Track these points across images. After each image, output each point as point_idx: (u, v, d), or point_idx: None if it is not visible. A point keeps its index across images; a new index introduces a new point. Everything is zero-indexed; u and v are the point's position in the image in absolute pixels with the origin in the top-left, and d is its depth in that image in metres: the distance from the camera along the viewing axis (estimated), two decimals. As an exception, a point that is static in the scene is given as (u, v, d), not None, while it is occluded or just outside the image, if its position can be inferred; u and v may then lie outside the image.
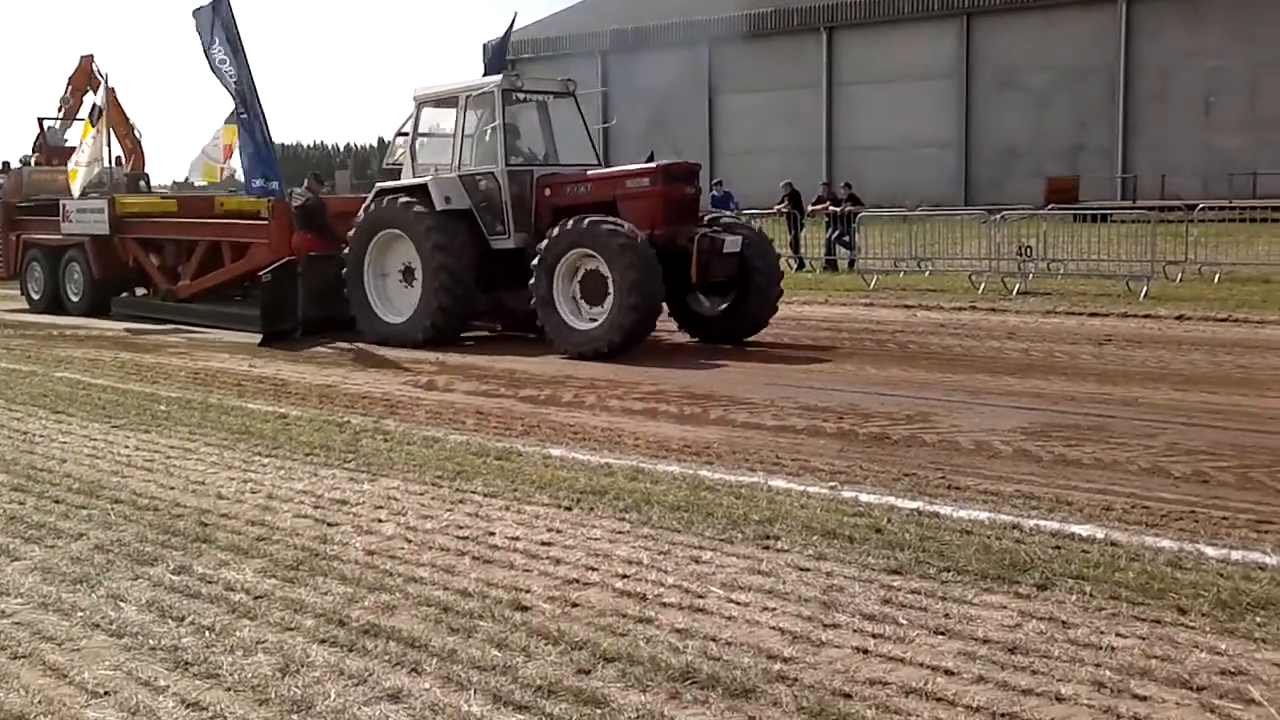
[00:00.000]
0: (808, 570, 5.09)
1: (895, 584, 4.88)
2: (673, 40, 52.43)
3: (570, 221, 12.29)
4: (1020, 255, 18.99)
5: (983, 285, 18.30)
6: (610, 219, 12.20)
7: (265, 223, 15.60)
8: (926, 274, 20.31)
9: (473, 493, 6.62)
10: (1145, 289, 16.63)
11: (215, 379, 11.28)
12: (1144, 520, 5.78)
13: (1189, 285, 17.69)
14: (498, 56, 20.10)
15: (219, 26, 15.18)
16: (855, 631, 4.36)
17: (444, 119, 14.58)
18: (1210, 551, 5.23)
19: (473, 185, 13.60)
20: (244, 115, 15.24)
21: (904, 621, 4.44)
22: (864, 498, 6.30)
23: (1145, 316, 14.64)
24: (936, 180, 46.72)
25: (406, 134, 14.62)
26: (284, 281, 14.23)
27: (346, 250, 14.16)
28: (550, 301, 12.47)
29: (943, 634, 4.31)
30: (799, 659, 4.12)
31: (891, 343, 12.89)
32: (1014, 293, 17.51)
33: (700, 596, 4.79)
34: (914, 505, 6.10)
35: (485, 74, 16.66)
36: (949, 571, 5.01)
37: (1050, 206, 27.59)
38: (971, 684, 3.87)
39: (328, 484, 6.91)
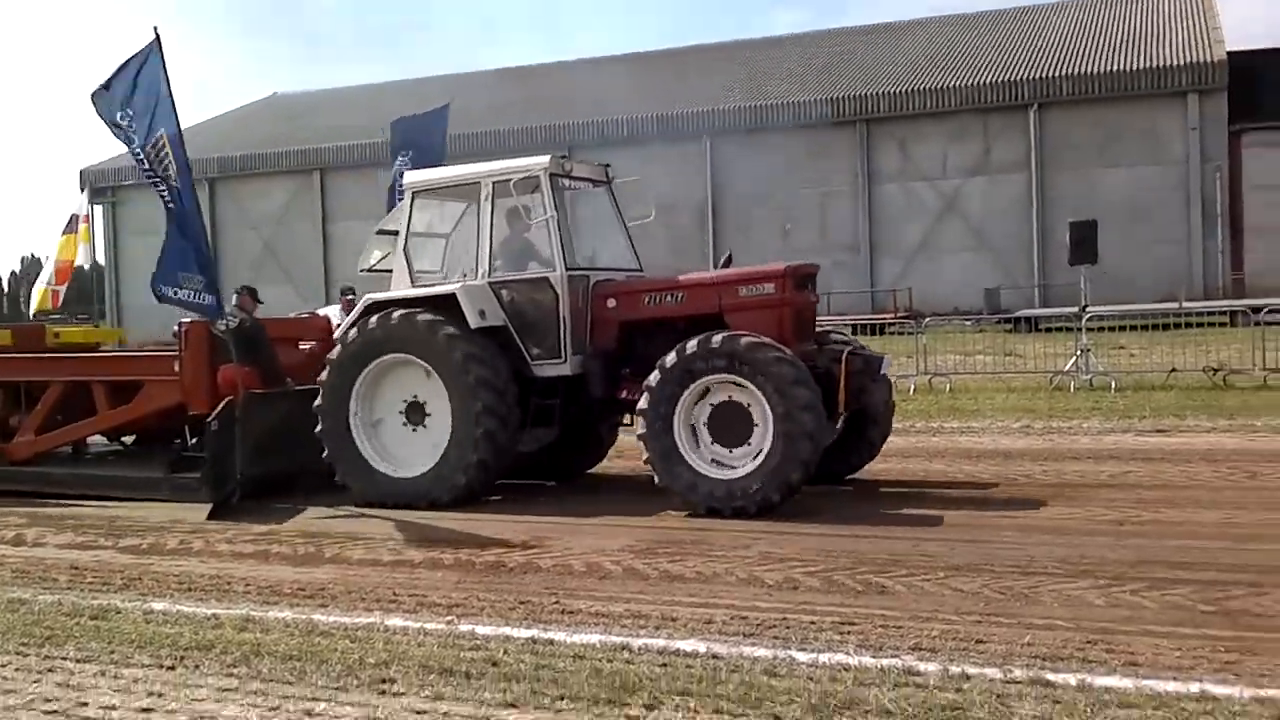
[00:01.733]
0: (424, 713, 5.04)
1: (510, 718, 4.92)
2: (281, 168, 51.76)
3: (696, 341, 9.72)
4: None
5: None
6: (751, 334, 9.76)
7: (169, 354, 12.27)
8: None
9: (64, 659, 6.11)
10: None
11: None
12: (742, 631, 6.14)
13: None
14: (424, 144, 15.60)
15: (144, 85, 11.24)
16: (471, 774, 4.35)
17: (437, 215, 12.03)
18: (801, 656, 5.61)
19: (507, 296, 10.85)
20: (170, 204, 11.34)
21: (519, 758, 4.47)
22: (481, 630, 6.33)
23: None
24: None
25: (389, 232, 11.95)
26: (229, 429, 10.90)
27: (294, 386, 11.59)
28: (670, 443, 9.76)
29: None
30: (413, 811, 4.05)
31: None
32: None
33: (312, 753, 4.63)
34: (529, 634, 6.20)
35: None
36: (563, 699, 5.11)
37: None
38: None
39: (-115, 666, 6.14)
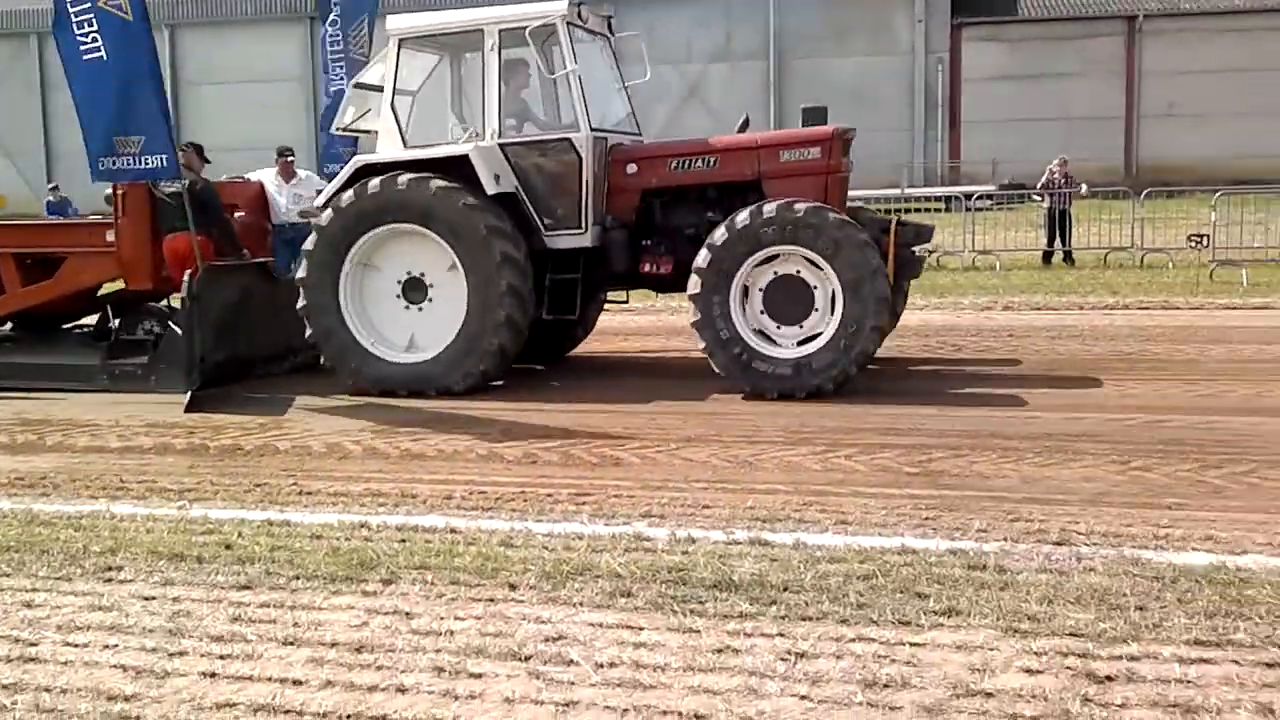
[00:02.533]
0: (153, 599, 4.93)
1: (245, 600, 4.88)
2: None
3: (748, 212, 8.98)
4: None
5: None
6: (807, 200, 9.04)
7: (101, 222, 10.87)
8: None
9: None
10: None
11: None
12: (480, 505, 6.26)
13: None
14: None
15: None
16: (203, 656, 4.30)
17: (420, 67, 10.47)
18: (537, 528, 5.78)
19: (516, 159, 9.73)
20: (90, 53, 9.59)
21: (253, 637, 4.46)
22: (214, 514, 6.22)
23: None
24: (292, 181, 46.38)
25: (368, 86, 10.64)
26: (195, 308, 9.65)
27: (251, 257, 10.56)
28: (729, 327, 9.02)
29: (292, 644, 4.39)
30: (142, 695, 3.99)
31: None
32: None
33: (33, 644, 4.47)
34: (265, 516, 6.14)
35: None
36: (299, 579, 5.10)
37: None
38: (319, 690, 3.99)
39: None
